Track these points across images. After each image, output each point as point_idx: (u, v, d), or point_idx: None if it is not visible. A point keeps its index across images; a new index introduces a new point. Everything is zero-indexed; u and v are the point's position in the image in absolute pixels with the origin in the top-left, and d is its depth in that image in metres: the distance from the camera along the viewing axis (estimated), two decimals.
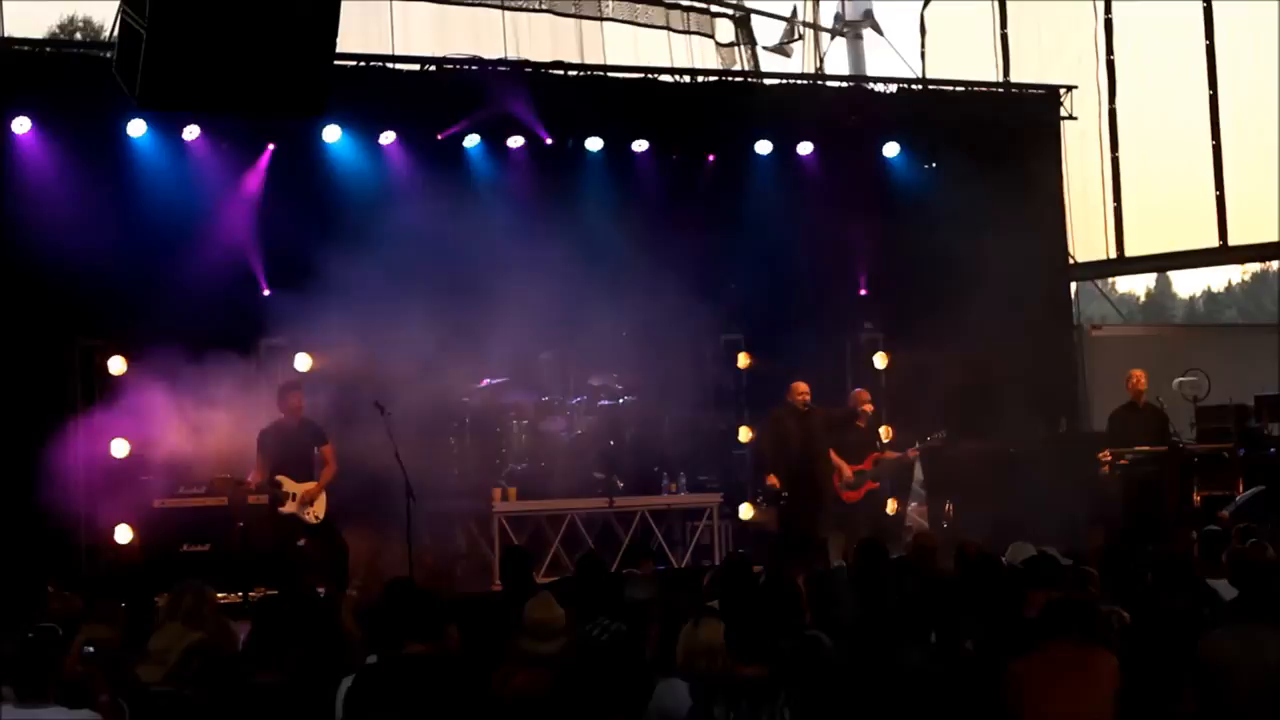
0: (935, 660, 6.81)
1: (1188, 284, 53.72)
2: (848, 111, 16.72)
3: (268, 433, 13.07)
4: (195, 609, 8.05)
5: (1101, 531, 13.72)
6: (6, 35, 14.84)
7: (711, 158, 16.20)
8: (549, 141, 15.40)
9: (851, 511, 14.29)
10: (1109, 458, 14.84)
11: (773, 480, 14.03)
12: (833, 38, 20.39)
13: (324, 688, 6.61)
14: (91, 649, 7.05)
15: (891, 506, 15.53)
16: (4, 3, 15.10)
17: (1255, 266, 44.63)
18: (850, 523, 13.90)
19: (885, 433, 15.96)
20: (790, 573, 8.63)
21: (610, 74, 16.52)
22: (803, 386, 14.12)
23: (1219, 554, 9.07)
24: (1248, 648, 6.61)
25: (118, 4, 8.51)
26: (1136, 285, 49.50)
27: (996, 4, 20.57)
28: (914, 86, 17.82)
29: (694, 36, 19.81)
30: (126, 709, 6.56)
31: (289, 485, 12.83)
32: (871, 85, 17.79)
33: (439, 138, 14.97)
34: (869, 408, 14.89)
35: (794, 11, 19.85)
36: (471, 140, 15.24)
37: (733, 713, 5.78)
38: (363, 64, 14.89)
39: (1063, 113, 17.74)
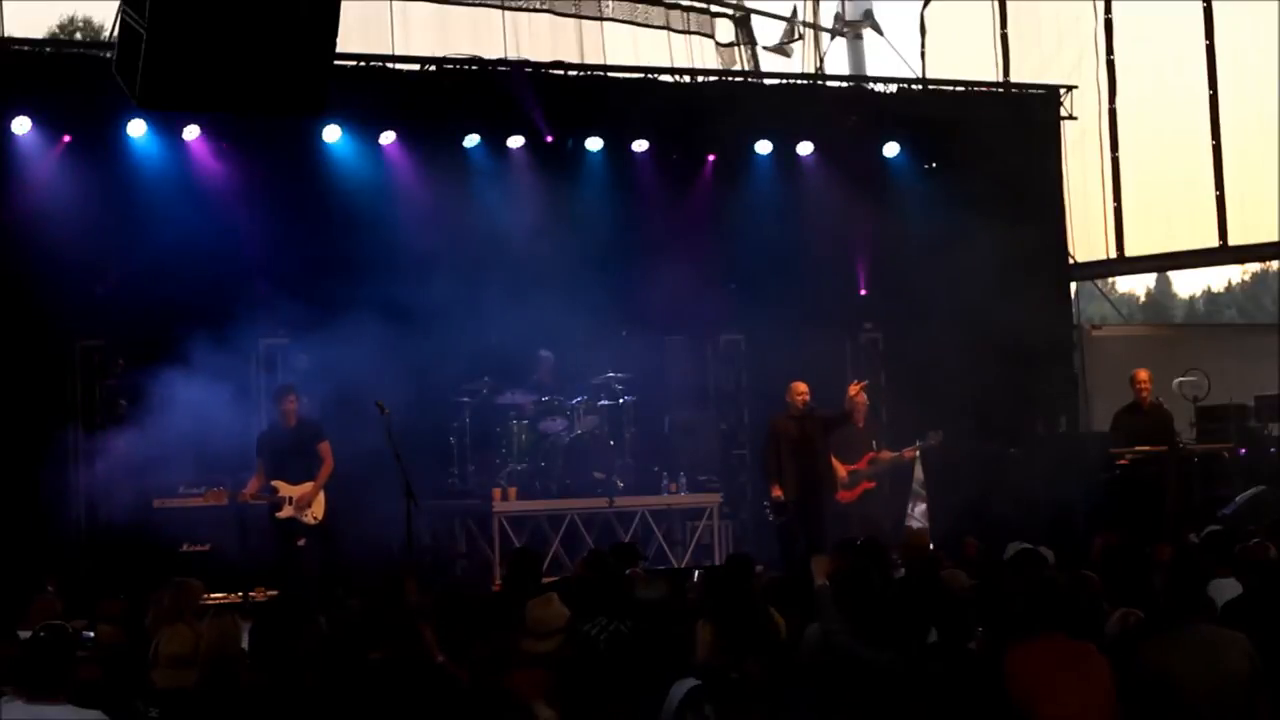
0: (937, 660, 6.80)
1: (1188, 284, 53.68)
2: (848, 111, 16.72)
3: (265, 436, 13.14)
4: (173, 608, 7.96)
5: (1104, 536, 13.70)
6: (6, 35, 14.85)
7: (711, 158, 16.19)
8: (549, 140, 15.40)
9: (846, 512, 14.24)
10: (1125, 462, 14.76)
11: (777, 493, 13.91)
12: (833, 38, 20.36)
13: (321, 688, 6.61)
14: (91, 634, 7.01)
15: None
16: (4, 3, 15.12)
17: (1255, 266, 44.68)
18: (845, 524, 13.85)
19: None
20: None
21: (610, 74, 16.50)
22: (801, 387, 14.01)
23: (1219, 555, 9.05)
24: (1193, 651, 6.51)
25: (118, 4, 8.50)
26: (1136, 285, 49.51)
27: (996, 4, 20.53)
28: (914, 86, 17.80)
29: (694, 36, 19.79)
30: (144, 709, 6.50)
31: (284, 489, 12.85)
32: (871, 85, 17.77)
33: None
34: (862, 398, 14.66)
35: (794, 11, 19.81)
36: (471, 140, 15.24)
37: (721, 710, 5.77)
38: (363, 64, 14.88)
39: (1063, 113, 17.73)
